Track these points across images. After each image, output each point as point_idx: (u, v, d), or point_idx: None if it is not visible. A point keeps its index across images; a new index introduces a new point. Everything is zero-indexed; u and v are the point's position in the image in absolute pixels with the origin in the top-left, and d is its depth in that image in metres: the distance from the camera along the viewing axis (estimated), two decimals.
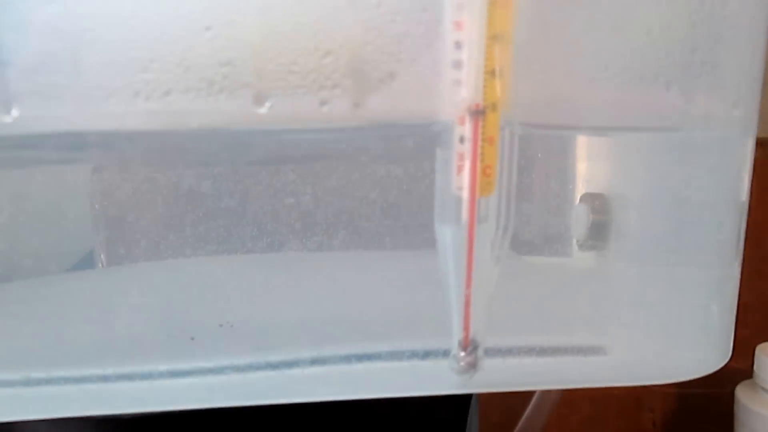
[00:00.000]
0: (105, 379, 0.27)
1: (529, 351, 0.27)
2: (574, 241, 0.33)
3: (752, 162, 0.28)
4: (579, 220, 0.32)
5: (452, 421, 0.35)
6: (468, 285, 0.24)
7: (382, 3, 0.22)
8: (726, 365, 0.61)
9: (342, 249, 0.30)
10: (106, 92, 0.22)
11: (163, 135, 0.23)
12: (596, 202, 0.32)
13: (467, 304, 0.24)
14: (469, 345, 0.25)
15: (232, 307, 0.31)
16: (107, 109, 0.22)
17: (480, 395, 0.37)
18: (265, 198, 0.30)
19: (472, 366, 0.25)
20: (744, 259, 0.68)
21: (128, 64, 0.22)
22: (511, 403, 0.48)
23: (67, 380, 0.27)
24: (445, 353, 0.26)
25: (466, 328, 0.25)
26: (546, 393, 0.47)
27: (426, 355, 0.26)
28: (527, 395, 0.48)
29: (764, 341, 0.53)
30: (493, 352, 0.26)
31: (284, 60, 0.22)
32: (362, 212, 0.30)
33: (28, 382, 0.27)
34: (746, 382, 0.53)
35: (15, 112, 0.22)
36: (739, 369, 0.51)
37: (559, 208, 0.33)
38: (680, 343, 0.29)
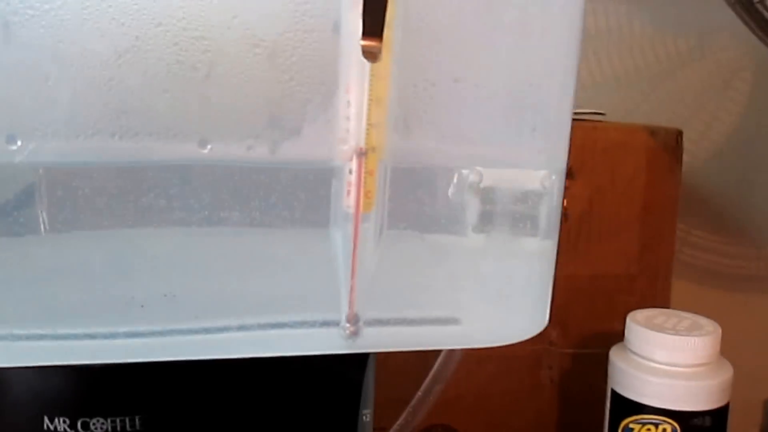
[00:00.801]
0: (74, 336, 0.34)
1: (399, 322, 0.37)
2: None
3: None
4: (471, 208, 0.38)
5: (352, 376, 0.44)
6: (353, 276, 0.34)
7: (294, 77, 0.31)
8: (614, 328, 0.70)
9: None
10: (93, 131, 0.31)
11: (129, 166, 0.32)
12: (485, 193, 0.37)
13: (352, 290, 0.34)
14: (353, 319, 0.35)
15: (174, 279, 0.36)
16: (93, 144, 0.31)
17: (383, 359, 0.46)
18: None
19: (356, 334, 0.35)
20: (634, 236, 0.78)
21: (107, 112, 0.31)
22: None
23: (44, 336, 0.34)
24: (336, 323, 0.35)
25: (351, 307, 0.35)
26: (450, 352, 0.55)
27: (323, 324, 0.35)
28: (430, 356, 0.55)
29: (650, 307, 0.61)
30: (371, 323, 0.36)
31: (222, 114, 0.31)
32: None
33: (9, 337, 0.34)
34: (618, 344, 0.60)
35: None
36: (623, 332, 0.59)
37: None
38: (511, 313, 0.39)
